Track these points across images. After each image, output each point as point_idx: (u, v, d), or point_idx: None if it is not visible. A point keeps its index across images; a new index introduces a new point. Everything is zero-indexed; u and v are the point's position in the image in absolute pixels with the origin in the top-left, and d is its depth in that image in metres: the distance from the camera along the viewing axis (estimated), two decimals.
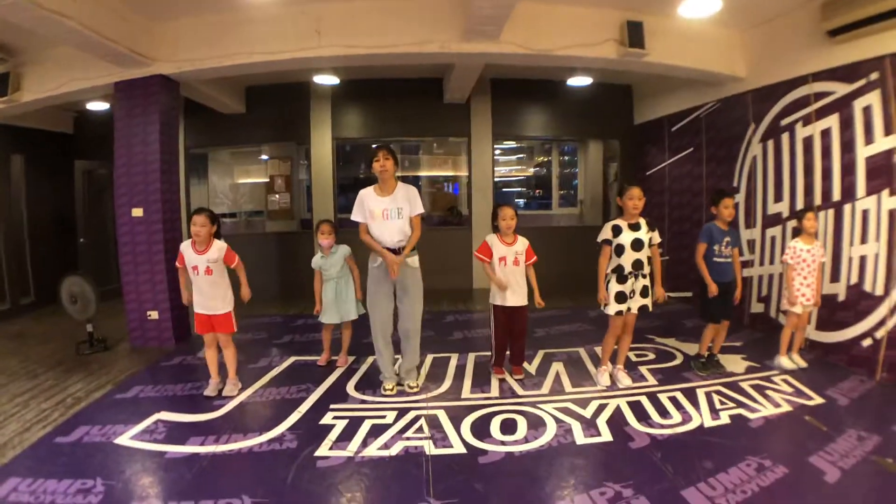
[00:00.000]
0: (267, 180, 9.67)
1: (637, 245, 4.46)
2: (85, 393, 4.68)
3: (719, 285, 4.83)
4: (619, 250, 4.49)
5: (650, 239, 4.51)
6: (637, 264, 4.49)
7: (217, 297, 4.44)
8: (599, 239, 4.58)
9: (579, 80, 8.26)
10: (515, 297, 4.76)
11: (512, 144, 11.86)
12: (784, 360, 5.00)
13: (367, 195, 4.48)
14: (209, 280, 4.38)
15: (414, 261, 4.54)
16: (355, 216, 4.50)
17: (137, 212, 5.94)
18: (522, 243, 4.81)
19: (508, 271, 4.73)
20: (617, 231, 4.49)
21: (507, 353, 4.98)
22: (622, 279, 4.52)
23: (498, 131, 9.34)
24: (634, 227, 4.49)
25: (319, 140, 9.05)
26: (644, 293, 4.56)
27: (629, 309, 4.57)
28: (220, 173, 10.21)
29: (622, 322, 4.62)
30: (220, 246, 4.42)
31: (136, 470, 3.37)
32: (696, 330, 5.55)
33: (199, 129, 8.80)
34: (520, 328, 4.85)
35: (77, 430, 3.87)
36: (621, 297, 4.53)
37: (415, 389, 4.59)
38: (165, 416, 4.14)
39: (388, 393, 4.56)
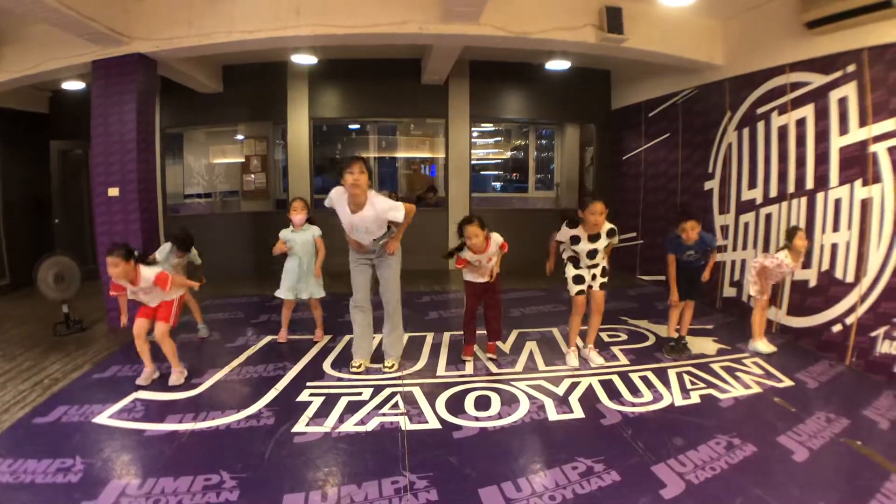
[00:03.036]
0: (243, 160, 9.60)
1: (592, 254, 4.65)
2: (62, 374, 4.67)
3: (684, 272, 5.00)
4: (574, 251, 4.71)
5: (608, 244, 4.66)
6: (591, 255, 4.69)
7: (159, 299, 4.37)
8: (557, 238, 4.75)
9: (558, 64, 8.27)
10: (478, 277, 4.76)
11: (489, 127, 11.86)
12: (760, 344, 5.09)
13: (339, 201, 4.27)
14: (149, 297, 4.33)
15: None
16: (329, 202, 4.41)
17: (113, 191, 5.89)
18: (494, 244, 4.60)
19: (482, 265, 4.69)
20: (575, 241, 4.64)
21: (480, 331, 5.01)
22: (578, 265, 4.74)
23: (475, 113, 9.36)
24: (594, 238, 4.60)
25: (296, 120, 9.00)
26: (603, 273, 4.73)
27: (590, 287, 4.75)
28: (195, 153, 10.09)
29: (584, 300, 4.76)
30: (146, 277, 4.17)
31: (115, 448, 3.40)
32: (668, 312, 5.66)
33: (175, 108, 8.66)
34: (493, 300, 4.88)
35: (55, 411, 3.87)
36: (578, 280, 4.72)
37: (391, 369, 4.63)
38: (143, 394, 4.16)
39: (354, 370, 4.61)
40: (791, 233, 4.93)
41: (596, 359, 4.85)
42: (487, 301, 4.89)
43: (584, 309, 4.79)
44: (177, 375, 4.39)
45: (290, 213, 5.20)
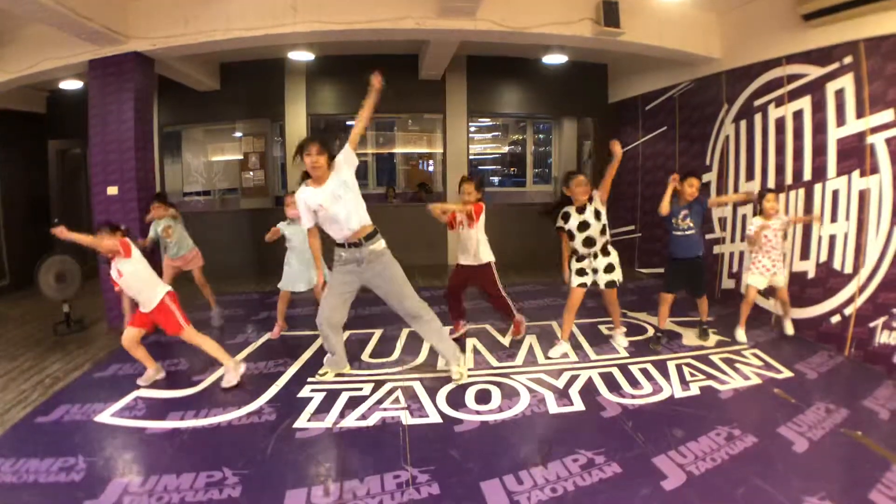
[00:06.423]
0: (241, 158, 9.59)
1: (583, 226, 4.64)
2: (63, 373, 4.68)
3: (679, 262, 5.06)
4: (570, 235, 4.72)
5: (595, 210, 4.61)
6: (588, 242, 4.67)
7: (145, 290, 4.24)
8: (556, 227, 4.82)
9: (555, 59, 8.28)
10: (463, 257, 5.13)
11: (487, 122, 11.87)
12: (739, 332, 5.20)
13: (304, 194, 3.97)
14: (133, 288, 4.23)
15: (377, 245, 4.06)
16: (304, 222, 4.07)
17: (112, 190, 5.89)
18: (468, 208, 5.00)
19: (462, 234, 5.06)
20: (566, 217, 4.71)
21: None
22: (580, 259, 4.77)
23: (473, 108, 9.36)
24: (580, 210, 4.64)
25: (294, 116, 8.99)
26: (608, 269, 4.73)
27: (594, 283, 4.80)
28: (194, 151, 10.07)
29: (580, 295, 4.82)
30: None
31: (117, 446, 3.42)
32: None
33: (173, 106, 8.67)
34: (486, 291, 5.22)
35: (57, 410, 3.88)
36: (581, 272, 4.78)
37: (459, 380, 4.31)
38: (144, 392, 4.18)
39: (318, 377, 4.44)
40: (760, 196, 5.11)
41: (621, 341, 5.06)
42: (486, 291, 5.22)
43: (578, 303, 4.84)
44: (231, 373, 4.25)
45: (286, 207, 5.20)
